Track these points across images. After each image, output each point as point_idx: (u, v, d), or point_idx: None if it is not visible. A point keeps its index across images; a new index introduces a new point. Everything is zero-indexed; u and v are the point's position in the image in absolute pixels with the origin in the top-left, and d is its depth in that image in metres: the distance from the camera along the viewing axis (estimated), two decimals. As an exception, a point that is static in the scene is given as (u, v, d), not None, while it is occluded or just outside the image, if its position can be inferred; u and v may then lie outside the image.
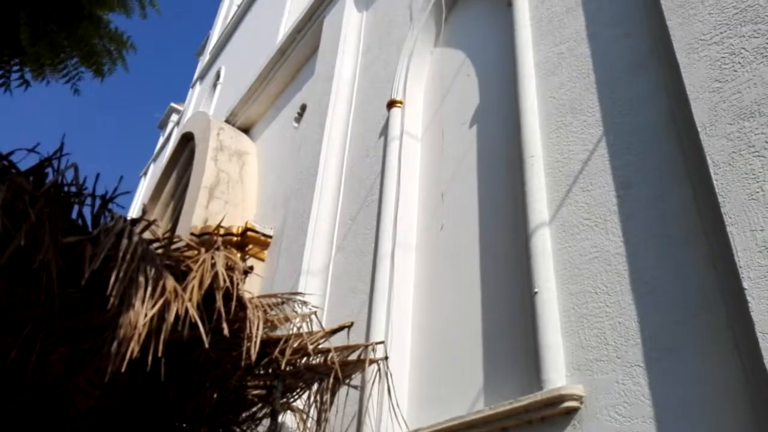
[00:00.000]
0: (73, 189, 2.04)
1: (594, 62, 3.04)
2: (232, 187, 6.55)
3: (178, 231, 6.27)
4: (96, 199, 2.06)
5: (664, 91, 2.59)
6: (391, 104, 4.79)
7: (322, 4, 6.89)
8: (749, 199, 1.84)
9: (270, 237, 6.03)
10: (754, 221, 1.80)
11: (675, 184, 2.34)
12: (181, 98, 14.24)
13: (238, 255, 5.70)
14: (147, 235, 2.29)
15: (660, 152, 2.47)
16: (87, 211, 2.17)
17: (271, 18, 9.35)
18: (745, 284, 1.74)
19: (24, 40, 2.13)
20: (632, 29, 2.91)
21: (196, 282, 1.97)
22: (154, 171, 13.05)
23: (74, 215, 2.07)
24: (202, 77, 12.36)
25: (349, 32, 6.18)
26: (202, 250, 2.32)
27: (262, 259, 5.85)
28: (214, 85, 11.02)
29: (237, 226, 6.07)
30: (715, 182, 1.97)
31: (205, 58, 12.76)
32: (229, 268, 2.31)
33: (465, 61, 4.51)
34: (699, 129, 2.11)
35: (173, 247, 2.44)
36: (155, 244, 2.32)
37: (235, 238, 6.05)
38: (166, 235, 2.26)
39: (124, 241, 1.88)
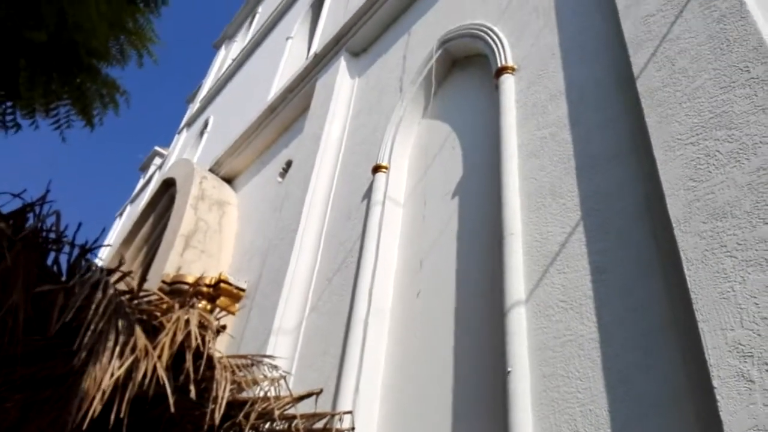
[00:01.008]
0: (53, 235, 2.02)
1: (575, 149, 3.16)
2: (210, 237, 6.50)
3: (150, 276, 6.16)
4: (75, 248, 2.03)
5: (641, 182, 2.69)
6: (377, 169, 4.87)
7: (315, 67, 7.10)
8: (721, 298, 1.90)
9: (243, 290, 5.95)
10: (725, 320, 1.85)
11: (649, 275, 2.40)
12: (166, 142, 14.30)
13: (209, 307, 5.59)
14: (121, 284, 2.26)
15: (635, 242, 2.55)
16: (64, 258, 2.14)
17: (264, 75, 9.57)
18: (715, 383, 1.77)
19: (22, 85, 2.15)
20: (612, 121, 3.05)
21: (167, 340, 1.93)
22: (130, 213, 12.91)
23: (52, 261, 2.04)
24: (189, 124, 12.47)
25: (340, 96, 6.35)
26: (176, 305, 2.28)
27: (233, 313, 5.75)
28: (201, 133, 11.11)
29: (210, 276, 5.98)
30: (688, 278, 2.03)
31: (195, 105, 12.91)
32: (202, 326, 2.27)
33: (451, 134, 4.65)
34: (674, 224, 2.19)
35: (146, 299, 2.40)
36: (128, 296, 2.28)
37: (206, 289, 5.95)
38: (142, 291, 2.22)
39: (99, 294, 1.85)
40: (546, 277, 2.84)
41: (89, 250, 1.98)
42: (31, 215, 1.95)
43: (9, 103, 2.23)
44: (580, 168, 3.05)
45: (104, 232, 2.35)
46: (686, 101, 2.41)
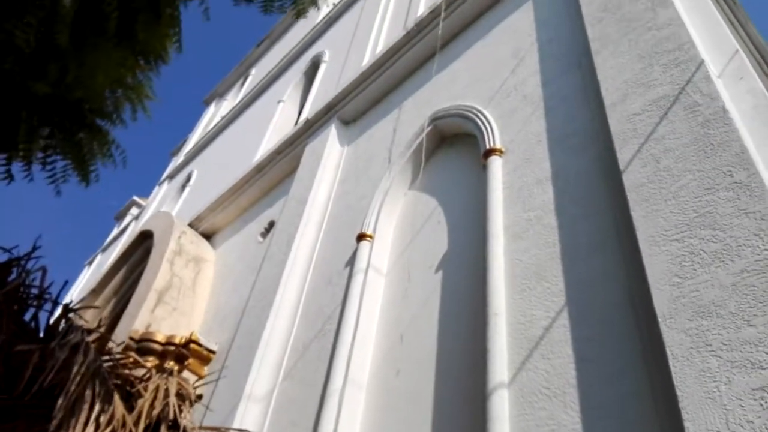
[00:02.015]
0: (35, 291, 1.97)
1: (560, 234, 3.23)
2: (183, 294, 6.36)
3: (118, 332, 5.95)
4: (57, 305, 1.98)
5: (625, 273, 2.75)
6: (361, 237, 4.88)
7: (306, 132, 7.22)
8: (706, 398, 1.91)
9: (213, 352, 5.78)
10: (710, 421, 1.85)
11: (633, 367, 2.41)
12: (145, 192, 14.20)
13: (177, 368, 5.40)
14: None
15: (619, 332, 2.57)
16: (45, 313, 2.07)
17: (253, 135, 9.69)
18: (703, 486, 1.75)
19: (21, 137, 2.15)
20: (596, 210, 3.14)
21: (145, 410, 1.85)
22: (100, 261, 12.61)
23: (31, 317, 1.97)
24: (171, 177, 12.44)
25: (329, 162, 6.43)
26: (153, 371, 2.21)
27: (201, 375, 5.55)
28: (183, 187, 11.07)
29: (181, 336, 5.81)
30: (673, 375, 2.04)
31: (179, 159, 12.94)
32: (179, 395, 2.20)
33: (437, 208, 4.71)
34: (659, 319, 2.22)
35: (121, 361, 2.32)
36: (105, 357, 2.21)
37: (175, 348, 5.77)
38: (119, 354, 2.15)
39: (79, 357, 1.79)
40: (530, 361, 2.83)
41: (72, 310, 1.93)
42: (17, 269, 1.90)
43: (4, 155, 2.22)
44: (565, 253, 3.11)
45: (66, 284, 2.29)
46: (671, 199, 2.51)
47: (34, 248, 1.92)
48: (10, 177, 2.23)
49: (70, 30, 2.26)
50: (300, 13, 2.81)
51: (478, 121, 4.67)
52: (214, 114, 13.99)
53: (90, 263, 13.80)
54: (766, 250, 2.08)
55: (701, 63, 2.84)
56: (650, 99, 2.97)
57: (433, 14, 6.08)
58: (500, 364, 2.89)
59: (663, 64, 3.05)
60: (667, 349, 2.12)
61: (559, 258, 3.13)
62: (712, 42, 3.20)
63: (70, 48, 2.15)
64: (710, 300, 2.11)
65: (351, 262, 4.83)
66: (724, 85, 2.82)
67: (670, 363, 2.09)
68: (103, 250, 13.49)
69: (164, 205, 11.11)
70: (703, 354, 2.01)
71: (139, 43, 2.45)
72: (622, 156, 2.91)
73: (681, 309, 2.18)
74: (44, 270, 1.97)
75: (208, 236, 8.08)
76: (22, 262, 1.91)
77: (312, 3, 2.89)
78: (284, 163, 7.46)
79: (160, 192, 12.23)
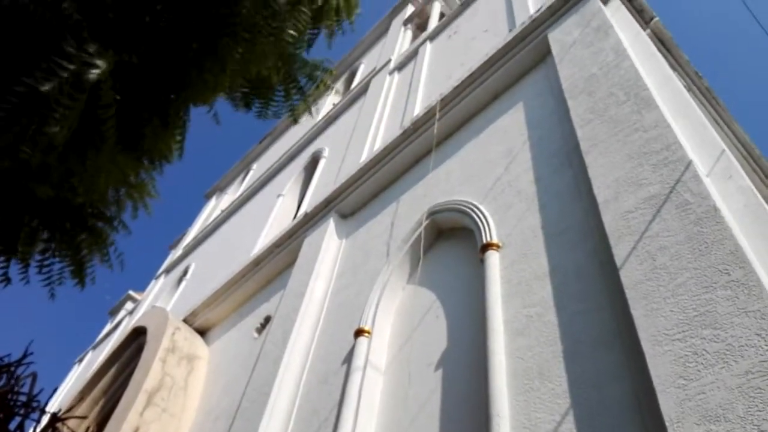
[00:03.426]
0: (23, 398, 1.90)
1: (561, 331, 3.18)
2: (174, 395, 6.14)
3: (104, 435, 5.69)
4: (44, 413, 1.90)
5: (629, 373, 2.68)
6: (359, 332, 4.80)
7: (304, 225, 7.29)
8: None
9: (204, 457, 5.50)
10: None
11: (645, 476, 2.29)
12: (141, 286, 14.09)
13: (165, 475, 5.12)
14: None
15: (628, 436, 2.47)
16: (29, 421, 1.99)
17: (252, 229, 9.78)
18: None
19: (22, 240, 2.16)
20: (596, 307, 3.11)
21: None
22: (91, 359, 12.29)
23: (16, 427, 1.89)
24: (168, 270, 12.41)
25: (327, 255, 6.45)
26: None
27: (189, 483, 5.25)
28: (179, 281, 11.01)
29: (170, 439, 5.56)
30: (689, 485, 1.94)
31: (177, 252, 12.97)
32: None
33: (435, 302, 4.67)
34: (667, 424, 2.14)
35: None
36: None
37: (164, 452, 5.50)
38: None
39: (62, 473, 1.70)
40: (536, 469, 2.69)
41: (59, 419, 1.86)
42: (6, 375, 1.85)
43: (2, 258, 2.23)
44: (567, 352, 3.05)
45: (56, 391, 2.22)
46: (670, 297, 2.50)
47: (25, 355, 1.88)
48: (7, 280, 2.22)
49: (71, 133, 2.33)
50: (295, 119, 2.93)
51: (475, 216, 4.73)
52: (214, 208, 14.19)
53: (80, 360, 13.43)
54: (770, 350, 2.05)
55: (689, 163, 2.93)
56: (642, 197, 3.03)
57: (429, 114, 6.34)
58: (505, 472, 2.75)
59: (652, 163, 3.15)
60: (679, 458, 2.03)
61: (562, 356, 3.06)
62: (699, 142, 3.32)
63: (73, 151, 2.21)
64: (717, 403, 2.05)
65: (348, 359, 4.72)
66: (713, 184, 2.89)
67: (684, 473, 1.99)
68: (94, 347, 13.18)
69: (160, 300, 11.00)
70: (717, 463, 1.92)
71: (144, 148, 2.53)
72: (618, 252, 2.93)
73: (688, 413, 2.10)
74: (34, 376, 1.92)
75: (202, 332, 7.94)
76: (12, 368, 1.86)
77: (305, 110, 3.02)
78: (282, 257, 7.48)
79: (156, 286, 12.14)
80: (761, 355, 2.07)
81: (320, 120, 11.50)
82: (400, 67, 10.03)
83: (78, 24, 1.92)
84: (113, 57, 1.94)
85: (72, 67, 1.88)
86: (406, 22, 12.50)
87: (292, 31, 2.52)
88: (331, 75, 3.25)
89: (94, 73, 1.87)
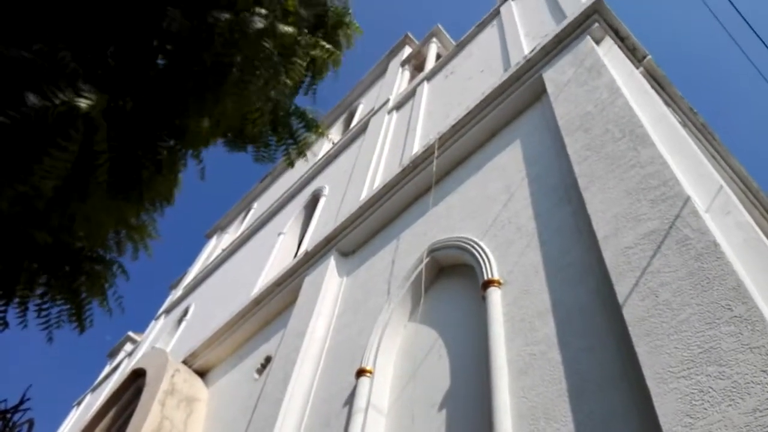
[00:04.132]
0: (18, 447, 1.86)
1: (565, 370, 3.14)
2: (174, 438, 6.02)
3: (100, 482, 5.55)
4: (37, 463, 1.87)
5: (635, 412, 2.63)
6: (361, 373, 4.73)
7: (305, 264, 7.28)
8: None
9: (202, 504, 5.35)
10: None
11: None
12: (141, 327, 13.97)
13: None
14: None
15: (637, 479, 2.41)
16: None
17: (253, 268, 9.76)
18: None
19: (21, 284, 2.16)
20: (600, 344, 3.08)
21: None
22: (89, 402, 12.09)
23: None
24: (168, 311, 12.32)
25: (328, 294, 6.41)
26: None
27: None
28: (180, 321, 10.93)
29: (168, 485, 5.42)
30: None
31: (178, 292, 12.90)
32: None
33: (438, 341, 4.62)
34: (676, 465, 2.09)
35: None
36: None
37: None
38: None
39: None
40: None
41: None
42: (3, 423, 1.82)
43: (3, 301, 2.22)
44: (572, 391, 3.00)
45: None
46: (673, 333, 2.47)
47: (22, 401, 1.86)
48: (5, 324, 2.21)
49: (73, 178, 2.34)
50: (291, 164, 2.97)
51: (475, 253, 4.73)
52: (215, 247, 14.18)
53: (79, 403, 13.20)
54: (777, 387, 2.02)
55: (687, 198, 2.94)
56: (642, 233, 3.03)
57: (427, 152, 6.40)
58: None
59: (650, 199, 3.16)
60: (690, 501, 1.98)
61: (567, 396, 3.01)
62: (696, 177, 3.34)
63: (74, 196, 2.23)
64: (727, 444, 2.01)
65: (350, 400, 4.64)
66: (712, 219, 2.90)
67: None
68: (93, 390, 12.98)
69: (159, 341, 10.88)
70: (729, 506, 1.87)
71: (142, 192, 2.55)
72: (620, 289, 2.91)
73: (698, 454, 2.06)
74: (31, 423, 1.89)
75: (202, 373, 7.83)
76: (9, 415, 1.84)
77: (301, 155, 3.07)
78: (283, 296, 7.44)
79: (156, 327, 12.04)
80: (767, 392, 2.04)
81: (320, 159, 11.61)
82: (398, 106, 10.18)
83: (74, 72, 1.96)
84: (105, 98, 1.97)
85: (64, 97, 1.90)
86: (403, 63, 12.74)
87: (288, 81, 2.58)
88: (319, 130, 3.33)
89: (86, 103, 1.90)
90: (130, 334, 14.31)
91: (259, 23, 2.29)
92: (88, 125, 1.94)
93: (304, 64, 2.70)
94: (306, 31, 3.19)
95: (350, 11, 3.87)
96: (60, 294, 2.26)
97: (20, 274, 2.12)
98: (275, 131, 3.40)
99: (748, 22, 4.18)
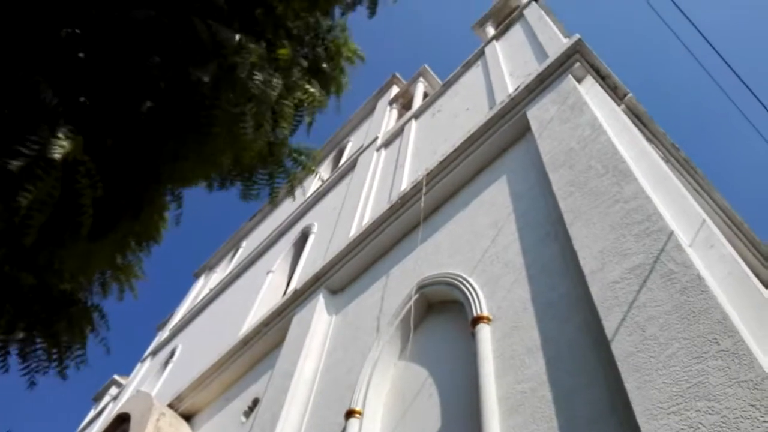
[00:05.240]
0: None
1: (556, 407, 3.10)
2: (158, 485, 5.83)
3: None
4: None
5: (628, 449, 2.60)
6: (350, 414, 4.64)
7: (293, 302, 7.22)
8: None
9: None
10: None
11: None
12: (126, 370, 13.67)
13: None
14: None
15: None
16: None
17: (241, 307, 9.65)
18: None
19: (1, 326, 2.12)
20: (590, 381, 3.05)
21: None
22: (72, 448, 11.71)
23: None
24: (155, 353, 12.09)
25: (317, 332, 6.34)
26: None
27: None
28: (166, 363, 10.72)
29: None
30: None
31: (165, 334, 12.69)
32: None
33: (428, 379, 4.56)
34: (670, 504, 2.06)
35: None
36: None
37: None
38: None
39: None
40: None
41: None
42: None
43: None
44: (563, 429, 2.96)
45: None
46: (662, 368, 2.46)
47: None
48: (-15, 369, 2.16)
49: (53, 221, 2.31)
50: (274, 203, 2.97)
51: (464, 289, 4.71)
52: (203, 287, 14.03)
53: (60, 450, 12.79)
54: (765, 422, 2.00)
55: (671, 233, 2.97)
56: (627, 267, 3.05)
57: (415, 189, 6.45)
58: None
59: (635, 234, 3.20)
60: None
61: (558, 434, 2.97)
62: (679, 212, 3.39)
63: (59, 239, 2.21)
64: (720, 483, 1.98)
65: (339, 443, 4.54)
66: (696, 253, 2.93)
67: None
68: (77, 435, 12.60)
69: (145, 384, 10.64)
70: None
71: (124, 232, 2.54)
72: (608, 324, 2.91)
73: (691, 492, 2.03)
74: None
75: (188, 417, 7.64)
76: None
77: (289, 193, 3.08)
78: (271, 335, 7.34)
79: (142, 369, 11.79)
80: (758, 426, 2.02)
81: (310, 196, 11.64)
82: (386, 144, 10.29)
83: (54, 110, 1.97)
84: (81, 140, 1.98)
85: (37, 147, 1.91)
86: (391, 102, 12.94)
87: (284, 125, 2.61)
88: (311, 168, 3.36)
89: (59, 151, 1.90)
90: (116, 377, 13.99)
91: (244, 70, 2.32)
92: (68, 167, 1.94)
93: (292, 106, 2.74)
94: (297, 71, 3.24)
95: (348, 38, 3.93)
96: (41, 339, 2.21)
97: (1, 318, 2.09)
98: (267, 168, 3.41)
99: (728, 63, 4.32)
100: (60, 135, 1.89)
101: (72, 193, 1.99)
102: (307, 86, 2.97)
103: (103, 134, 2.16)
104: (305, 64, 3.37)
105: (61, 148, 1.85)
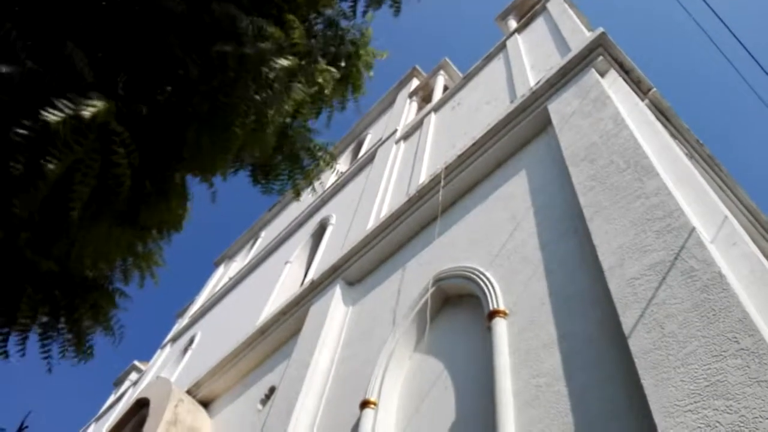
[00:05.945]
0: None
1: (571, 402, 3.09)
2: (176, 470, 5.94)
3: None
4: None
5: (643, 447, 2.58)
6: (365, 404, 4.67)
7: (311, 293, 7.26)
8: None
9: None
10: None
11: None
12: (147, 356, 13.90)
13: None
14: None
15: None
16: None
17: (259, 296, 9.74)
18: None
19: (23, 311, 2.17)
20: (606, 376, 3.03)
21: None
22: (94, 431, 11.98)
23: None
24: (175, 339, 12.28)
25: (333, 323, 6.38)
26: None
27: None
28: (185, 350, 10.87)
29: None
30: None
31: (184, 321, 12.87)
32: None
33: (443, 372, 4.56)
34: (685, 503, 2.04)
35: None
36: None
37: None
38: None
39: None
40: None
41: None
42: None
43: (5, 329, 2.23)
44: (578, 424, 2.94)
45: None
46: (680, 366, 2.44)
47: (21, 428, 1.85)
48: (5, 354, 2.21)
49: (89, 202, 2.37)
50: (298, 195, 3.00)
51: (481, 283, 4.70)
52: (222, 275, 14.19)
53: (82, 433, 13.08)
54: (786, 423, 1.97)
55: (692, 230, 2.93)
56: (647, 264, 3.02)
57: (434, 182, 6.43)
58: None
59: (655, 230, 3.15)
60: None
61: (573, 429, 2.96)
62: (702, 208, 3.33)
63: (83, 224, 2.25)
64: (737, 484, 1.96)
65: (354, 432, 4.57)
66: (717, 250, 2.88)
67: None
68: (97, 419, 12.86)
69: (165, 370, 10.82)
70: None
71: (147, 220, 2.57)
72: (626, 320, 2.88)
73: (707, 491, 2.01)
74: (28, 452, 1.87)
75: (206, 403, 7.76)
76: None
77: (308, 185, 3.09)
78: (288, 325, 7.40)
79: (162, 355, 11.98)
80: (777, 427, 1.99)
81: (328, 188, 11.69)
82: (405, 136, 10.27)
83: (87, 82, 2.00)
84: (113, 104, 2.01)
85: (73, 105, 1.95)
86: (411, 95, 12.90)
87: (287, 107, 2.61)
88: (332, 158, 3.36)
89: (90, 110, 1.93)
90: (136, 363, 14.24)
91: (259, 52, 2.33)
92: (104, 135, 1.97)
93: (310, 90, 2.74)
94: (319, 58, 3.25)
95: (368, 40, 3.92)
96: (63, 323, 2.26)
97: (21, 302, 2.13)
98: (287, 162, 3.44)
99: (752, 56, 4.22)
100: (92, 97, 1.92)
101: (108, 167, 2.02)
102: (326, 72, 2.97)
103: (134, 107, 2.19)
104: (323, 62, 3.38)
105: (93, 107, 1.89)
